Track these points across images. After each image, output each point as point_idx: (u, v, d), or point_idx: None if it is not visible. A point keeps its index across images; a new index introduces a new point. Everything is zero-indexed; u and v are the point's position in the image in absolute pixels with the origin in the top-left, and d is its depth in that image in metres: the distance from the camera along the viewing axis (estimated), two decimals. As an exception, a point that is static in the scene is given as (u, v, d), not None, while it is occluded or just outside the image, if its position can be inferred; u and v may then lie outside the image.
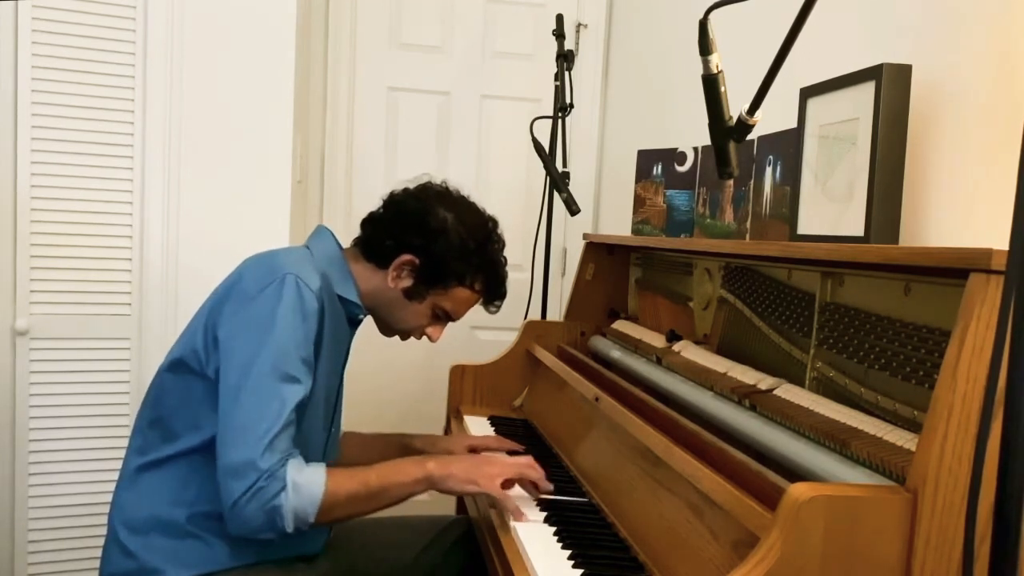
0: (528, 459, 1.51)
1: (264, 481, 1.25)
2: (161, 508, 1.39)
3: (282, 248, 1.58)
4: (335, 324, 1.48)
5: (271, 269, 1.39)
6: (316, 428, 1.49)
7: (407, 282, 1.53)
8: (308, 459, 1.35)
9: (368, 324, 1.62)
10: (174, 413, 1.40)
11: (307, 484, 1.28)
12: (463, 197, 1.60)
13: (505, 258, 1.62)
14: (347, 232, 1.61)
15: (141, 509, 1.40)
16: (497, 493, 1.39)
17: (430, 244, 1.51)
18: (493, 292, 1.61)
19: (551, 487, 1.48)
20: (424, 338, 1.61)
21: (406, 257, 1.51)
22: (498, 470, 1.42)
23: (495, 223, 1.61)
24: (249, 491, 1.25)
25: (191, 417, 1.38)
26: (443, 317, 1.59)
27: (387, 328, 1.61)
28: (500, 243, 1.61)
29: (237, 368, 1.32)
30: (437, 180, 1.61)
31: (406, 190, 1.59)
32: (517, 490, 1.48)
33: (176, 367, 1.42)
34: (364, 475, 1.35)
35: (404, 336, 1.62)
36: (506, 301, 1.65)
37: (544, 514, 1.41)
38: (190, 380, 1.39)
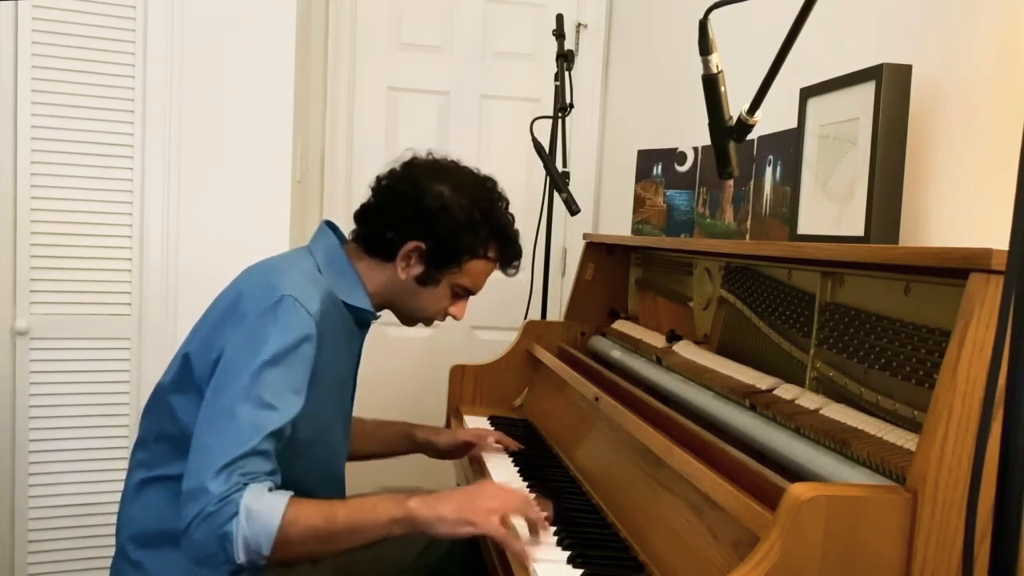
0: (523, 496, 1.34)
1: (214, 506, 1.16)
2: (173, 522, 1.33)
3: (284, 257, 1.50)
4: (340, 337, 1.44)
5: (269, 288, 1.32)
6: (334, 445, 1.47)
7: (418, 269, 1.46)
8: (331, 477, 1.30)
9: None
10: (180, 430, 1.35)
11: (262, 513, 1.17)
12: (454, 163, 1.51)
13: (512, 215, 1.53)
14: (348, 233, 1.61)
15: (151, 523, 1.37)
16: (499, 534, 1.24)
17: (433, 225, 1.43)
18: (508, 254, 1.53)
19: (550, 529, 1.34)
20: (447, 320, 1.56)
21: (412, 245, 1.44)
22: (497, 504, 1.26)
23: (493, 182, 1.52)
24: (199, 516, 1.17)
25: None
26: (463, 294, 1.53)
27: (407, 319, 1.56)
28: (504, 201, 1.52)
29: (215, 389, 1.27)
30: (421, 153, 1.51)
31: (392, 172, 1.50)
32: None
33: (178, 382, 1.37)
34: (331, 510, 1.22)
35: (428, 322, 1.57)
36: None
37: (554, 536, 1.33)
38: (193, 397, 1.34)
